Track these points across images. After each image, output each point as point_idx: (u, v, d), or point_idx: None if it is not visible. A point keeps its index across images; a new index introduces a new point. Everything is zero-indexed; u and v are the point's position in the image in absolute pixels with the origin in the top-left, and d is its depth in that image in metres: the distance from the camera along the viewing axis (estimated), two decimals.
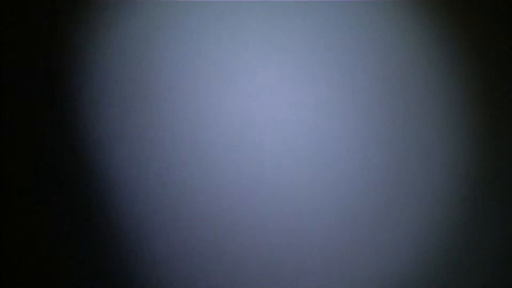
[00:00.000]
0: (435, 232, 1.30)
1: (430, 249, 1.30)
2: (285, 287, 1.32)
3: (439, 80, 1.31)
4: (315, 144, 1.32)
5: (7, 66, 1.39)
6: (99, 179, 1.36)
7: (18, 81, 1.38)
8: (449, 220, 1.30)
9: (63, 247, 1.36)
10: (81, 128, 1.36)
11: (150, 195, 1.35)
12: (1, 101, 1.39)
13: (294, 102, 1.33)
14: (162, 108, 1.35)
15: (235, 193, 1.33)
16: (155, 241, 1.35)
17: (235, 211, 1.33)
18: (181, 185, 1.34)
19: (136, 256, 1.35)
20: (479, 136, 1.30)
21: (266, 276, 1.33)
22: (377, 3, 1.31)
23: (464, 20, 1.31)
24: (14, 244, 1.37)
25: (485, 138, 1.30)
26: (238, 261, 1.33)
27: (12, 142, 1.38)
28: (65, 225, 1.36)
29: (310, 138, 1.32)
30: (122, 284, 1.35)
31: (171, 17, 1.35)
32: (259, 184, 1.33)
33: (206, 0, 1.34)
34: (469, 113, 1.30)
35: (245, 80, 1.33)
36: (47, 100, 1.37)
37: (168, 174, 1.34)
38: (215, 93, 1.34)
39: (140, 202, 1.35)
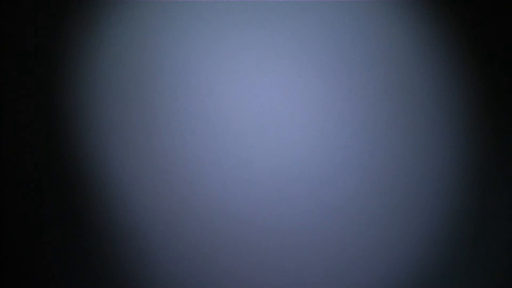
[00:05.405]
0: (435, 232, 1.30)
1: (430, 249, 1.30)
2: (286, 287, 1.33)
3: (439, 80, 1.31)
4: (313, 144, 1.32)
5: (5, 66, 1.39)
6: (98, 179, 1.36)
7: (16, 81, 1.38)
8: (449, 220, 1.30)
9: (62, 248, 1.36)
10: (80, 128, 1.36)
11: (150, 195, 1.35)
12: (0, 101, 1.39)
13: (293, 102, 1.33)
14: (161, 108, 1.35)
15: (235, 193, 1.33)
16: (155, 242, 1.35)
17: (236, 211, 1.33)
18: (180, 185, 1.34)
19: (136, 257, 1.35)
20: (479, 135, 1.30)
21: (267, 276, 1.33)
22: (376, 3, 1.31)
23: (464, 20, 1.31)
24: (12, 245, 1.37)
25: (485, 138, 1.30)
26: (238, 261, 1.33)
27: (10, 143, 1.38)
28: (64, 225, 1.36)
29: (309, 138, 1.32)
30: (122, 284, 1.35)
31: (170, 17, 1.35)
32: (258, 184, 1.33)
33: (206, 0, 1.34)
34: (469, 113, 1.30)
35: (245, 80, 1.34)
36: (46, 100, 1.37)
37: (167, 174, 1.34)
38: (215, 93, 1.34)
39: (140, 201, 1.35)
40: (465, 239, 1.30)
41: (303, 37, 1.33)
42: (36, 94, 1.37)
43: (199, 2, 1.34)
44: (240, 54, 1.33)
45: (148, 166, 1.35)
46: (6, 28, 1.39)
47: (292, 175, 1.32)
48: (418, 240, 1.30)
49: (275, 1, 1.33)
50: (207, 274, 1.34)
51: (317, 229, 1.32)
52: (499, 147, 1.29)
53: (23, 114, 1.38)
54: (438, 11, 1.31)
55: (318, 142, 1.32)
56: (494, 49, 1.30)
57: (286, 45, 1.33)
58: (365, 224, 1.31)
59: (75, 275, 1.36)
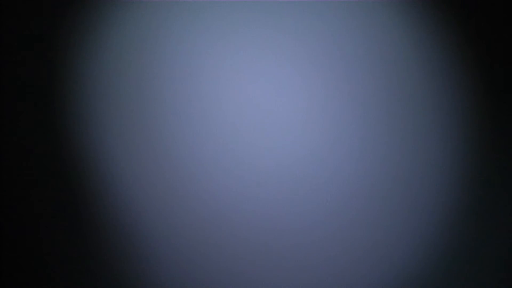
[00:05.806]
0: (435, 233, 1.30)
1: (429, 250, 1.30)
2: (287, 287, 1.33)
3: (439, 79, 1.31)
4: (313, 144, 1.32)
5: (5, 66, 1.38)
6: (98, 179, 1.36)
7: (16, 81, 1.38)
8: (449, 221, 1.30)
9: (62, 248, 1.36)
10: (80, 128, 1.36)
11: (150, 195, 1.35)
12: None
13: (293, 102, 1.33)
14: (161, 107, 1.35)
15: (235, 193, 1.33)
16: (155, 242, 1.35)
17: (236, 211, 1.33)
18: (180, 185, 1.34)
19: (135, 257, 1.35)
20: (479, 135, 1.30)
21: (268, 277, 1.33)
22: (376, 3, 1.31)
23: (464, 20, 1.31)
24: (12, 245, 1.37)
25: (485, 138, 1.30)
26: (239, 261, 1.33)
27: (10, 143, 1.38)
28: (64, 225, 1.36)
29: (309, 137, 1.32)
30: (122, 284, 1.35)
31: (170, 17, 1.35)
32: (259, 184, 1.33)
33: (206, 0, 1.34)
34: (469, 113, 1.30)
35: (246, 80, 1.34)
36: (45, 100, 1.37)
37: (167, 174, 1.34)
38: (215, 93, 1.34)
39: (140, 201, 1.35)
40: (465, 239, 1.30)
41: (304, 37, 1.33)
42: (36, 94, 1.37)
43: (199, 2, 1.34)
44: (240, 54, 1.33)
45: (148, 166, 1.35)
46: (6, 28, 1.38)
47: (292, 175, 1.32)
48: (418, 241, 1.30)
49: (275, 1, 1.33)
50: (207, 274, 1.34)
51: (317, 230, 1.32)
52: (499, 147, 1.29)
53: (22, 114, 1.38)
54: (438, 11, 1.31)
55: (318, 142, 1.32)
56: (494, 49, 1.30)
57: (287, 45, 1.33)
58: (365, 224, 1.31)
59: (74, 275, 1.36)
